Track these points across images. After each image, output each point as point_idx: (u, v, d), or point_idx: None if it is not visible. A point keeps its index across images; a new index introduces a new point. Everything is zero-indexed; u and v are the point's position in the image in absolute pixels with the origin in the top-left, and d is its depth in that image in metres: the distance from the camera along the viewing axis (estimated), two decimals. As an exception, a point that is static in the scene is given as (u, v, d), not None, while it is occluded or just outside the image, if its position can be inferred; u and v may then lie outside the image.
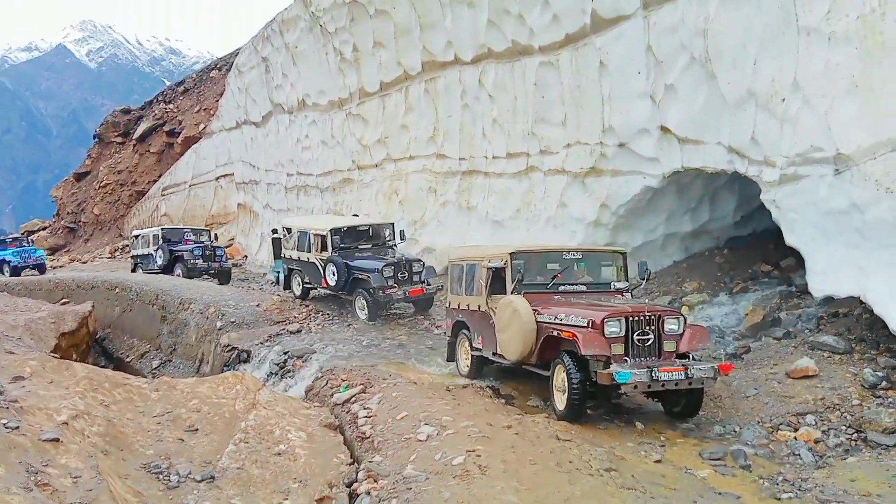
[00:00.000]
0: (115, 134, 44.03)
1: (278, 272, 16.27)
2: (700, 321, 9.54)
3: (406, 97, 16.53)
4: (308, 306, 14.32)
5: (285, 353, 11.32)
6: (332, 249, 13.42)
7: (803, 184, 8.26)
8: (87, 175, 44.48)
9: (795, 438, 6.68)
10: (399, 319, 13.18)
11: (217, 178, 30.49)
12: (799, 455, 6.38)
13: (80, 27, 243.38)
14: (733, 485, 5.88)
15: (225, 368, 11.75)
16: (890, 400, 7.10)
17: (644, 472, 5.96)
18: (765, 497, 5.67)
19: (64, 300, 18.96)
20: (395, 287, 12.43)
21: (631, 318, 6.96)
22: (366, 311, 12.74)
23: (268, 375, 10.92)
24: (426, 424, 7.06)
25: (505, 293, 8.21)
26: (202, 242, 20.92)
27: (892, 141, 7.15)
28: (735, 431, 7.09)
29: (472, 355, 9.15)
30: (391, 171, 17.47)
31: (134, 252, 22.59)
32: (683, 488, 5.73)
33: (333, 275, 13.11)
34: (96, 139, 46.28)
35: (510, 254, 8.26)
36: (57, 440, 5.81)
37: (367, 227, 14.33)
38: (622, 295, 8.27)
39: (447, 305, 10.00)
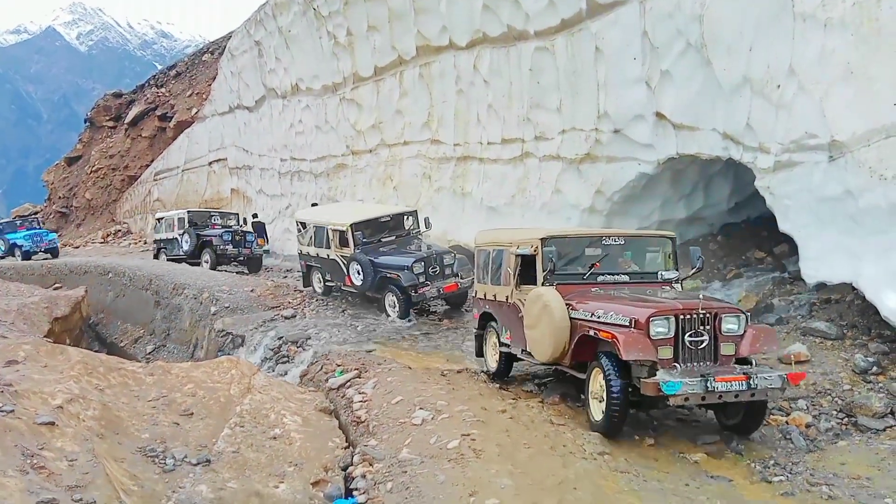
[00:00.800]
0: (107, 118, 43.62)
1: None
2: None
3: (400, 82, 16.44)
4: (302, 292, 14.31)
5: (280, 339, 11.32)
6: (355, 246, 12.45)
7: (797, 170, 8.28)
8: (78, 159, 44.08)
9: (787, 423, 6.73)
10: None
11: (210, 163, 30.28)
12: (790, 439, 6.43)
13: (69, 9, 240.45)
14: (725, 468, 5.94)
15: (219, 353, 11.75)
16: (880, 385, 7.18)
17: (637, 456, 6.02)
18: (756, 480, 5.73)
19: (56, 285, 18.90)
20: (427, 284, 11.61)
21: (681, 317, 5.98)
22: (397, 309, 11.88)
23: (262, 360, 10.94)
24: (421, 409, 7.11)
25: (535, 284, 7.22)
26: (230, 227, 19.37)
27: (886, 128, 7.16)
28: (727, 416, 7.14)
29: (501, 352, 8.12)
30: (385, 156, 17.41)
31: (157, 236, 20.78)
32: (676, 472, 5.79)
33: (359, 274, 12.27)
34: (87, 123, 45.84)
35: (541, 239, 7.21)
36: (52, 424, 5.82)
37: (388, 218, 13.24)
38: (671, 287, 7.30)
39: (473, 294, 9.11)
